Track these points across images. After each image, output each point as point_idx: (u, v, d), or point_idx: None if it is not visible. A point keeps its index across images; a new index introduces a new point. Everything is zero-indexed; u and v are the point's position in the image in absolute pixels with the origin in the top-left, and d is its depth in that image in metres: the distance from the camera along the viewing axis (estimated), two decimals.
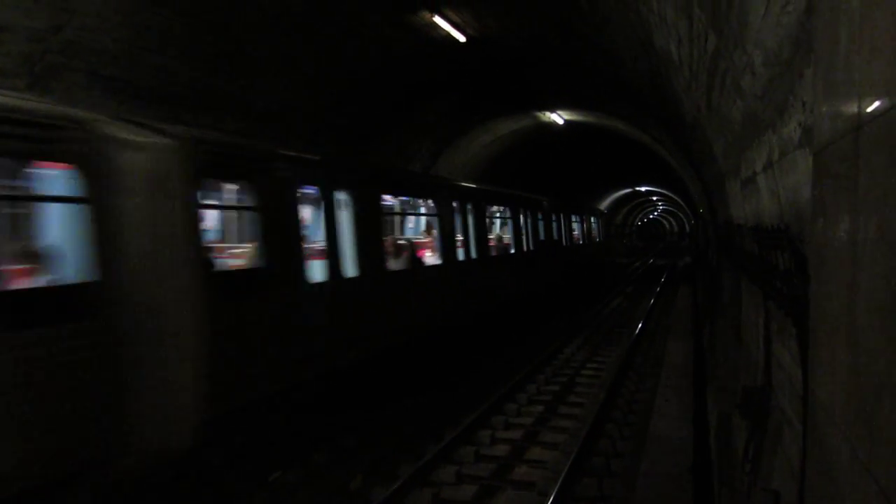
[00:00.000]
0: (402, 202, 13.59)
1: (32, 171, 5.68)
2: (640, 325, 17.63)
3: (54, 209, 5.87)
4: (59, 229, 5.78)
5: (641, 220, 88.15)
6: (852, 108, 1.28)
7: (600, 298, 25.40)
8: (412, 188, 12.77)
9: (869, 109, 1.17)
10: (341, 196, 9.52)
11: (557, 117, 19.19)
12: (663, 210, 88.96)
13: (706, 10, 4.42)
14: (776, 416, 4.44)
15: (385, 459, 8.45)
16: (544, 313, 20.33)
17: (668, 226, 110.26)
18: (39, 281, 5.65)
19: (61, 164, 5.48)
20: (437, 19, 10.48)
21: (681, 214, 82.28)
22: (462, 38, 11.35)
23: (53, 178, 5.65)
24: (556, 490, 7.03)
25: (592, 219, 32.56)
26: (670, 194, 50.33)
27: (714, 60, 4.98)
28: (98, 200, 5.45)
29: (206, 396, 6.23)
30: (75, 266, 5.44)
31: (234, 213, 10.30)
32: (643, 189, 49.62)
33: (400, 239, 13.13)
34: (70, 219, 5.51)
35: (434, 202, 12.66)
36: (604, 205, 46.74)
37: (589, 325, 19.06)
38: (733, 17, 3.76)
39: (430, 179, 15.24)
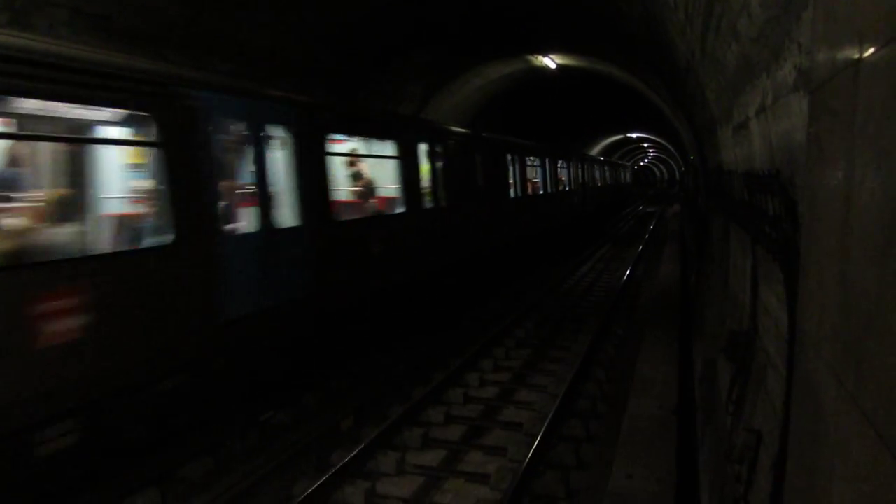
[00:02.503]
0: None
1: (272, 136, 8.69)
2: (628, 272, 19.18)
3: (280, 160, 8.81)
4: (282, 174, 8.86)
5: (633, 167, 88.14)
6: (852, 44, 1.27)
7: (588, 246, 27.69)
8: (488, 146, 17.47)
9: (869, 45, 1.17)
10: (423, 147, 13.03)
11: (550, 61, 18.94)
12: (654, 157, 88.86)
13: None
14: (760, 359, 4.52)
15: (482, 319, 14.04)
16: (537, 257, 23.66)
17: (658, 173, 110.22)
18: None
19: (279, 132, 8.72)
20: None
21: (671, 162, 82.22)
22: None
23: (280, 140, 8.80)
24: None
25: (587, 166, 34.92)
26: (662, 141, 50.21)
27: (710, 2, 4.91)
28: (298, 154, 8.92)
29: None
30: (289, 200, 8.84)
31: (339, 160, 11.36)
32: (634, 135, 49.44)
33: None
34: (286, 166, 8.82)
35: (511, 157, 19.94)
36: (595, 150, 46.57)
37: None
38: None
39: (502, 141, 19.58)
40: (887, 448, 1.01)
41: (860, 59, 1.21)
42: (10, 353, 5.17)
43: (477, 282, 16.82)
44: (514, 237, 19.82)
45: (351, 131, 10.89)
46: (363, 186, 11.76)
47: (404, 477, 7.19)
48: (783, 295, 3.35)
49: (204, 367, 7.40)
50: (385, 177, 12.13)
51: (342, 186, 11.17)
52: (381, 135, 11.63)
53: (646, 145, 64.99)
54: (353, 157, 11.58)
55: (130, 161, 7.70)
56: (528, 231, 21.64)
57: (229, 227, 7.85)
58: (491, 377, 10.22)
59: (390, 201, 12.24)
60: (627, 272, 19.83)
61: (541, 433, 7.63)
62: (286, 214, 8.71)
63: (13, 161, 6.62)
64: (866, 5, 1.19)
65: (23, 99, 5.95)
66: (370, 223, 11.00)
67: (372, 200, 11.90)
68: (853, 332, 1.22)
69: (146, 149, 6.98)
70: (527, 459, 6.99)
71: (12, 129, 6.29)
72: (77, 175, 7.02)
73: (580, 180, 31.43)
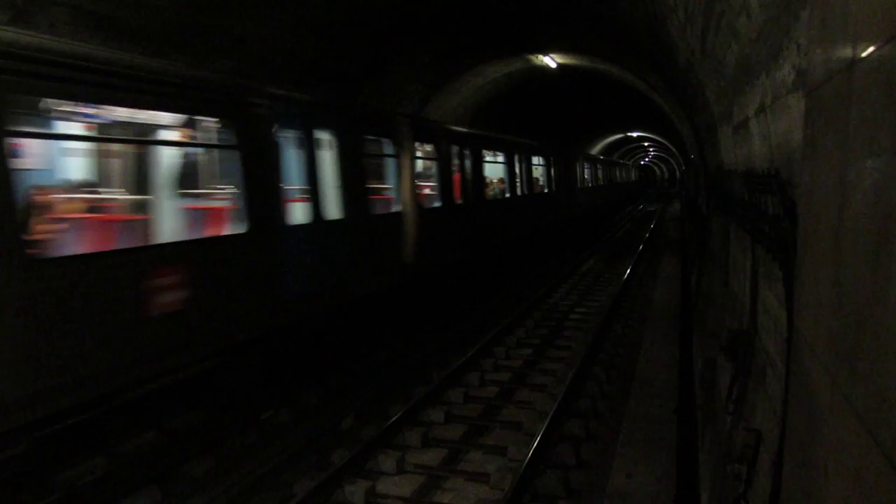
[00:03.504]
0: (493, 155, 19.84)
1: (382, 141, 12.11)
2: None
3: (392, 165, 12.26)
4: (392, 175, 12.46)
5: (634, 165, 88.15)
6: (847, 45, 1.28)
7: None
8: (500, 145, 19.64)
9: (863, 46, 1.18)
10: (466, 152, 16.34)
11: (550, 61, 18.94)
12: (654, 156, 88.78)
13: None
14: (760, 358, 4.54)
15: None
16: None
17: (658, 172, 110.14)
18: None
19: (387, 140, 11.94)
20: None
21: (672, 161, 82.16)
22: None
23: (387, 146, 12.03)
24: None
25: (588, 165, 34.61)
26: (662, 140, 50.15)
27: (710, 3, 4.92)
28: (399, 157, 12.18)
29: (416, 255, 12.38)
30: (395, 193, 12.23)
31: (429, 163, 15.13)
32: (635, 135, 49.36)
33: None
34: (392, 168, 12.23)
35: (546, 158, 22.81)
36: (596, 149, 46.54)
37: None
38: None
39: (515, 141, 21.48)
40: (879, 448, 1.02)
41: (855, 61, 1.22)
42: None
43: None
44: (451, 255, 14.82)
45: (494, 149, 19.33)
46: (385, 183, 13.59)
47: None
48: (783, 294, 3.36)
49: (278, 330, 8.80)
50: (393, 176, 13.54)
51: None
52: (383, 136, 12.95)
53: (646, 144, 64.91)
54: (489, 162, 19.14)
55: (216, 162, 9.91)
56: (477, 246, 16.85)
57: (331, 216, 10.04)
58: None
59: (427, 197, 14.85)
60: (614, 296, 15.97)
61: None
62: (334, 208, 10.15)
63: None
64: (861, 6, 1.20)
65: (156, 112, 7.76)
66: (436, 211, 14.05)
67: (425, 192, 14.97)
68: (847, 332, 1.23)
69: (228, 151, 8.36)
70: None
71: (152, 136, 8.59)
72: (186, 173, 9.21)
73: (570, 180, 28.93)
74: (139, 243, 7.24)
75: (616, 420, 8.06)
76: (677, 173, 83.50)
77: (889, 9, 1.03)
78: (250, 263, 7.91)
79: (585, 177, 29.17)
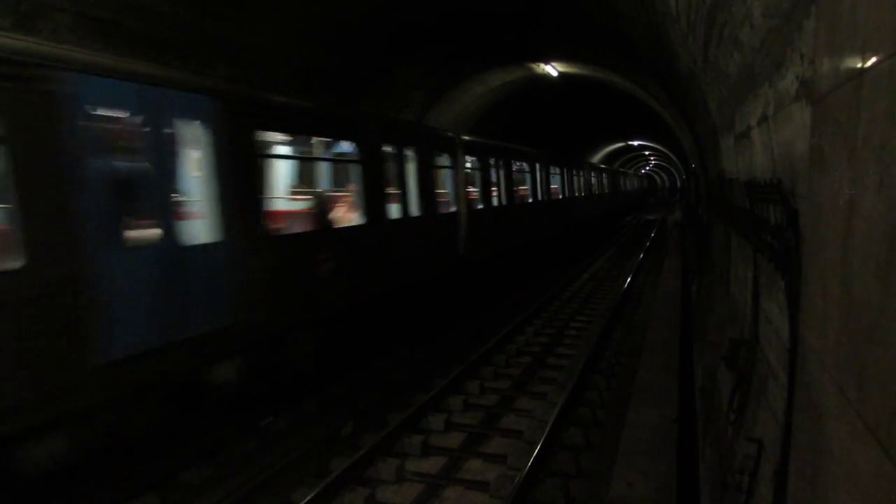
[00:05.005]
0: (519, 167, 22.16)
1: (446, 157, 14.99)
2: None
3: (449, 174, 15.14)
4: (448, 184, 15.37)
5: (635, 174, 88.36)
6: (856, 55, 1.28)
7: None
8: (515, 155, 21.41)
9: (872, 56, 1.17)
10: (501, 162, 18.85)
11: (552, 69, 18.98)
12: (655, 165, 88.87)
13: None
14: (762, 369, 4.52)
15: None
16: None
17: (659, 181, 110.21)
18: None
19: (447, 154, 14.54)
20: None
21: (672, 170, 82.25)
22: None
23: (447, 160, 14.61)
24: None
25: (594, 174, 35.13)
26: (663, 149, 50.23)
27: (712, 12, 4.93)
28: (455, 168, 14.77)
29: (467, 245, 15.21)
30: (452, 198, 15.08)
31: (473, 172, 16.79)
32: (636, 143, 49.43)
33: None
34: (450, 177, 15.02)
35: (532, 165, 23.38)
36: (596, 158, 46.60)
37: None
38: None
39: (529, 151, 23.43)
40: (890, 459, 1.01)
41: (864, 70, 1.22)
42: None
43: None
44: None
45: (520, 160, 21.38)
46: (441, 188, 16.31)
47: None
48: (785, 304, 3.35)
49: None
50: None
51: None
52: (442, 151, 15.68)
53: (647, 153, 64.99)
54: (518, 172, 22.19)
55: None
56: (509, 241, 18.76)
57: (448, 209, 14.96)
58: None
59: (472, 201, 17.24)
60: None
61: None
62: (414, 207, 12.77)
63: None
64: (870, 15, 1.19)
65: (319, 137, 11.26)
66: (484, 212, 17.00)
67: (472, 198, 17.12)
68: (856, 343, 1.22)
69: (354, 164, 10.84)
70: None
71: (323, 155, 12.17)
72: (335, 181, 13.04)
73: (565, 190, 27.37)
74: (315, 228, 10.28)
75: (616, 427, 8.05)
76: (678, 182, 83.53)
77: None
78: (368, 244, 10.74)
79: (587, 185, 29.36)
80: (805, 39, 2.78)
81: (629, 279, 20.47)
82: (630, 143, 48.34)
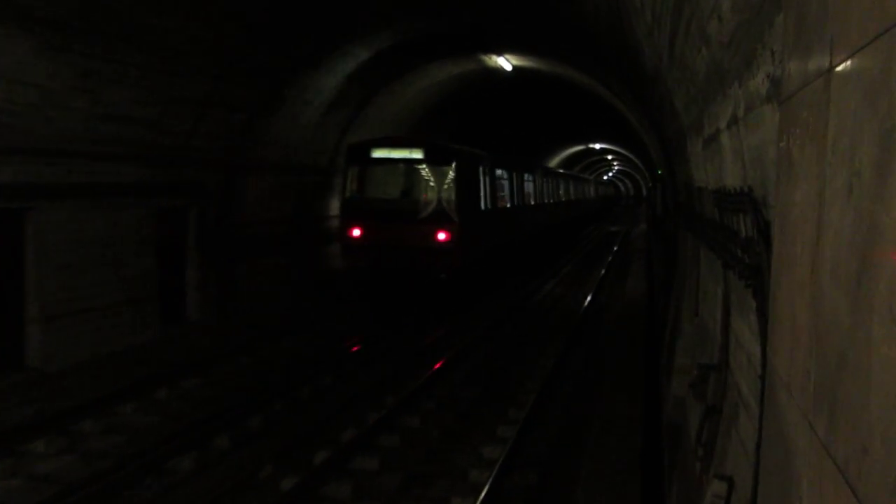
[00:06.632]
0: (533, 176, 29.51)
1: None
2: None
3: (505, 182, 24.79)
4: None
5: (596, 180, 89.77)
6: (825, 51, 1.30)
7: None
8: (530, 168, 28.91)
9: (841, 52, 1.19)
10: (514, 174, 25.01)
11: (505, 62, 19.18)
12: (619, 171, 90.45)
13: None
14: (732, 398, 4.59)
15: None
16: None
17: (623, 188, 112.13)
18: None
19: (503, 169, 23.91)
20: None
21: (638, 176, 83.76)
22: None
23: (502, 172, 24.11)
24: None
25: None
26: (627, 153, 51.17)
27: (679, 4, 5.03)
28: (503, 178, 23.79)
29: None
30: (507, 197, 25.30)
31: (503, 182, 23.32)
32: (597, 147, 50.29)
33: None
34: (505, 184, 24.90)
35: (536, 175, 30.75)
36: (554, 162, 47.22)
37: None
38: None
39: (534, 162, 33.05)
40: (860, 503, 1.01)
41: (832, 68, 1.24)
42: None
43: None
44: None
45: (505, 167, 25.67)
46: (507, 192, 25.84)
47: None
48: (757, 326, 3.41)
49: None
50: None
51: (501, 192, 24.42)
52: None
53: (610, 158, 66.16)
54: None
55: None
56: (522, 232, 28.17)
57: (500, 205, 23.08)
58: None
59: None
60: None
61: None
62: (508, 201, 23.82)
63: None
64: (837, 10, 1.21)
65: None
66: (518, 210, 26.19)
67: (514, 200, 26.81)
68: (825, 372, 1.23)
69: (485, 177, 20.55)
70: None
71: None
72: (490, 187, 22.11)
73: (514, 198, 26.24)
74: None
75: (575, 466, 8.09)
76: (644, 190, 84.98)
77: (870, 7, 1.04)
78: (499, 219, 21.63)
79: (541, 192, 30.23)
80: (776, 36, 2.84)
81: (590, 297, 20.50)
82: (591, 146, 49.13)
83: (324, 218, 19.59)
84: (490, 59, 19.08)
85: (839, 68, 1.20)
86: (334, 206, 19.61)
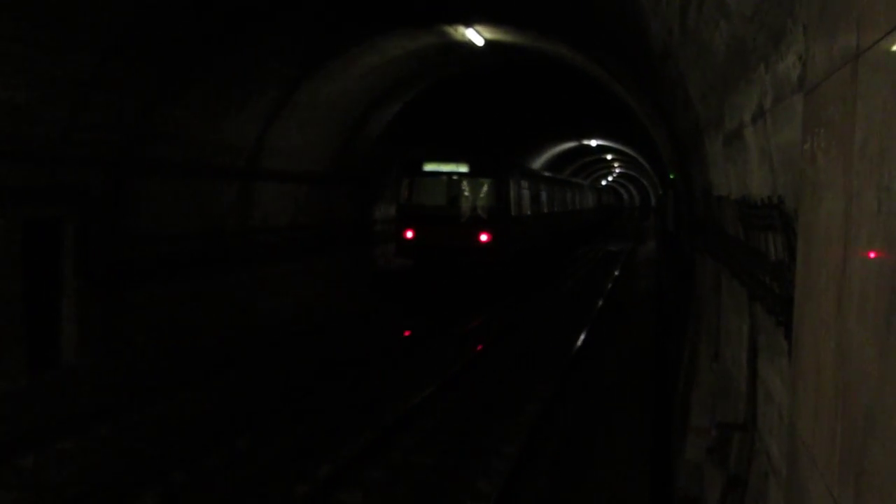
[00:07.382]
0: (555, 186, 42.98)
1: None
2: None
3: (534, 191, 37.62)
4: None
5: (591, 186, 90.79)
6: (851, 31, 1.31)
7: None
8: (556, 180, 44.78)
9: (870, 33, 1.20)
10: (533, 184, 35.39)
11: (475, 35, 19.17)
12: (621, 174, 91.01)
13: None
14: (760, 465, 4.61)
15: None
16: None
17: (626, 196, 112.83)
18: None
19: (530, 180, 36.57)
20: None
21: (645, 182, 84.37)
22: None
23: (529, 182, 36.84)
24: None
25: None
26: (631, 153, 51.52)
27: None
28: (533, 189, 36.32)
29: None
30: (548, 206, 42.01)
31: (525, 191, 31.75)
32: (594, 144, 50.53)
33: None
34: (535, 193, 38.21)
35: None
36: (539, 162, 47.50)
37: None
38: None
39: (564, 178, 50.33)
40: None
41: (859, 53, 1.24)
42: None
43: None
44: None
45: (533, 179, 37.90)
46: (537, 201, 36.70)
47: None
48: (789, 373, 3.42)
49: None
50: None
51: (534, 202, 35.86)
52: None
53: (609, 157, 66.54)
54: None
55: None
56: (555, 235, 43.74)
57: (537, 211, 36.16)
58: None
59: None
60: None
61: None
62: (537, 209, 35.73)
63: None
64: None
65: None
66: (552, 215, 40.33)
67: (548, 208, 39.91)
68: (852, 437, 1.22)
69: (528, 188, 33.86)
70: None
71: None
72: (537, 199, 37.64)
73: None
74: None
75: None
76: (652, 199, 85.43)
77: None
78: (524, 225, 31.22)
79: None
80: (811, 7, 2.86)
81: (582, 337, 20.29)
82: (585, 142, 49.39)
83: (247, 232, 19.25)
84: (456, 30, 19.01)
85: (867, 53, 1.21)
86: (259, 216, 19.46)
